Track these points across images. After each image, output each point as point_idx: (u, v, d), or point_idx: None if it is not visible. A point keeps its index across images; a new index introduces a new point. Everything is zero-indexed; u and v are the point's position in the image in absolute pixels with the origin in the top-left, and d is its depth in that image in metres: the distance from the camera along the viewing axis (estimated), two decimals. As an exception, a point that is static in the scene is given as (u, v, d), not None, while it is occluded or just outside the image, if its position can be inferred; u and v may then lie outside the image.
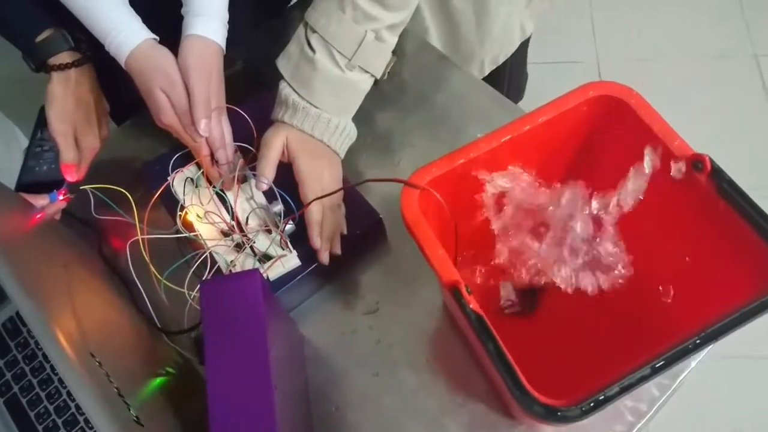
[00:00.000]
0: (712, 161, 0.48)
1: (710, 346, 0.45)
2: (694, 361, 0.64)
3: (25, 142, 0.80)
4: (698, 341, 0.43)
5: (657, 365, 0.43)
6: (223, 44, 0.68)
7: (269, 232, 0.70)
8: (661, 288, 0.57)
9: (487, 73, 1.06)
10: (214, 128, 0.68)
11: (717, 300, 0.49)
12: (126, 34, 0.65)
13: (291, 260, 0.69)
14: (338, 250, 0.69)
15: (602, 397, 0.42)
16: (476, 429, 0.65)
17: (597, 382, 0.45)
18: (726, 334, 0.44)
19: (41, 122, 0.74)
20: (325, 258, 0.68)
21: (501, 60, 1.06)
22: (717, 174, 0.48)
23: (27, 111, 0.82)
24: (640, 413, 0.64)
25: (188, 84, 0.65)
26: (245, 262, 0.69)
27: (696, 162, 0.49)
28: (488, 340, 0.45)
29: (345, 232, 0.71)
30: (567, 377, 0.48)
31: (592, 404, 0.42)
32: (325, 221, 0.68)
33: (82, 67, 0.71)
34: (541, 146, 0.58)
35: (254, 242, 0.69)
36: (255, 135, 0.71)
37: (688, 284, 0.55)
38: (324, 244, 0.67)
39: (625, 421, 0.64)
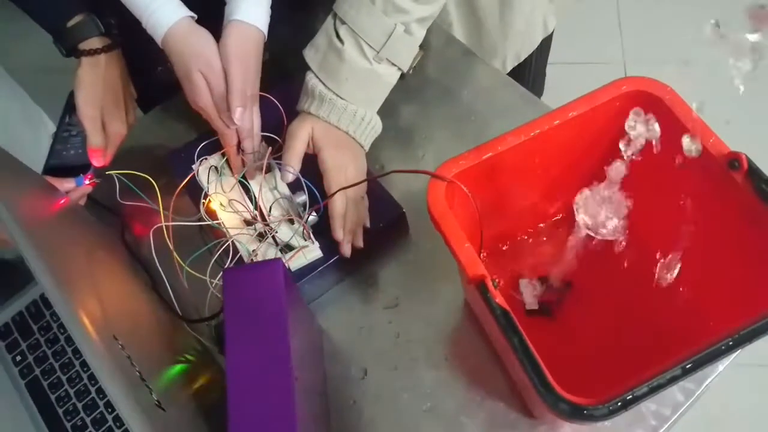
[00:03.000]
0: (749, 160, 0.47)
1: (741, 350, 0.44)
2: (722, 365, 0.62)
3: (52, 129, 0.81)
4: (731, 343, 0.42)
5: (688, 366, 0.42)
6: (266, 30, 0.68)
7: (292, 222, 0.70)
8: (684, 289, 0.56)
9: (509, 69, 1.05)
10: (245, 117, 0.68)
11: (747, 303, 0.48)
12: (163, 11, 0.64)
13: (313, 251, 0.69)
14: (360, 243, 0.69)
15: (630, 396, 0.41)
16: (495, 428, 0.64)
17: (620, 385, 0.44)
18: (759, 337, 0.43)
19: (70, 107, 0.75)
20: (347, 250, 0.67)
21: (523, 56, 1.05)
22: (754, 173, 0.47)
23: (55, 99, 0.83)
24: (663, 417, 0.62)
25: (227, 70, 0.65)
26: (267, 252, 0.69)
27: (732, 160, 0.48)
28: (514, 335, 0.44)
29: (368, 225, 0.70)
30: (589, 379, 0.48)
31: (619, 403, 0.41)
32: (348, 213, 0.67)
33: (111, 53, 0.72)
34: (571, 142, 0.57)
35: (276, 232, 0.69)
36: (285, 123, 0.71)
37: (720, 287, 0.54)
38: (346, 237, 0.67)
39: (648, 425, 0.62)
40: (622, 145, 0.51)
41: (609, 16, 1.96)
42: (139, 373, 0.45)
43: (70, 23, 0.70)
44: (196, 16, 0.67)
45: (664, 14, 1.94)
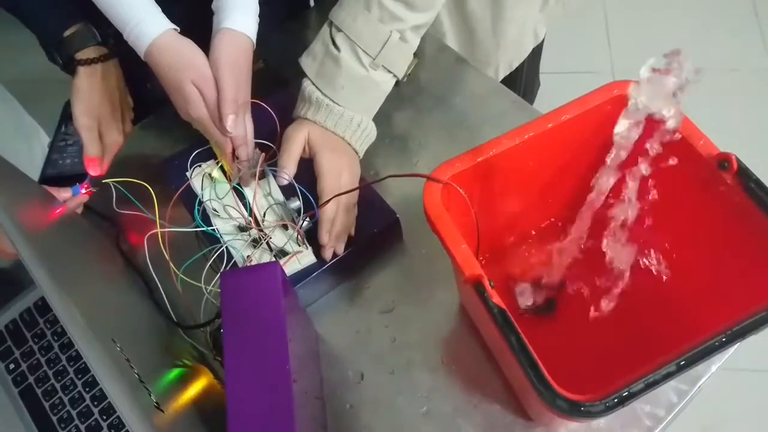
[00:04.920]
0: (738, 160, 0.48)
1: (734, 347, 0.45)
2: (715, 366, 0.63)
3: (46, 139, 0.81)
4: (724, 339, 0.43)
5: (682, 362, 0.42)
6: (255, 38, 0.68)
7: (286, 227, 0.70)
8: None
9: (501, 78, 1.07)
10: (238, 125, 0.68)
11: (740, 301, 0.49)
12: (147, 23, 0.63)
13: (307, 257, 0.69)
14: (341, 251, 0.69)
15: (626, 392, 0.42)
16: (491, 430, 0.64)
17: (616, 383, 0.44)
18: (752, 333, 0.44)
19: (66, 116, 0.75)
20: (328, 255, 0.68)
21: (515, 65, 1.06)
22: (743, 173, 0.48)
23: (49, 109, 0.83)
24: (657, 418, 0.63)
25: (218, 79, 0.64)
26: (262, 257, 0.69)
27: (722, 161, 0.49)
28: (511, 334, 0.44)
29: (353, 233, 0.71)
30: (584, 379, 0.48)
31: (616, 399, 0.42)
32: (337, 219, 0.68)
33: (108, 62, 0.72)
34: (564, 145, 0.58)
35: (271, 238, 0.70)
36: (279, 131, 0.72)
37: (711, 285, 0.54)
38: (330, 241, 0.68)
39: (643, 426, 0.63)
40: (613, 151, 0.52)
41: (597, 26, 1.99)
42: (138, 375, 0.46)
43: (67, 33, 0.70)
44: (178, 28, 0.66)
45: (651, 24, 1.98)
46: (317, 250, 0.69)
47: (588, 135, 0.58)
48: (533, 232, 0.71)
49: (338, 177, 0.68)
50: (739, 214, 0.49)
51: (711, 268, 0.55)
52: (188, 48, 0.65)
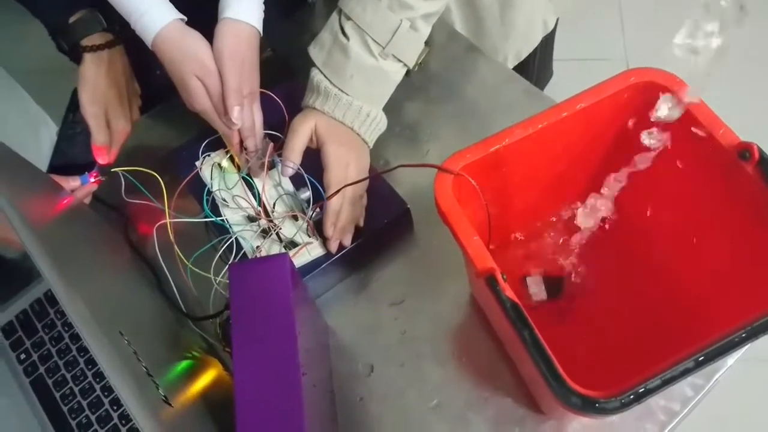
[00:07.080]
0: (760, 150, 0.47)
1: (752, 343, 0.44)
2: (732, 359, 0.62)
3: (55, 128, 0.81)
4: (744, 335, 0.42)
5: (700, 358, 0.41)
6: (260, 25, 0.66)
7: (296, 218, 0.70)
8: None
9: (510, 68, 1.05)
10: (245, 116, 0.66)
11: (759, 296, 0.47)
12: (152, 13, 0.62)
13: (317, 248, 0.68)
14: (347, 243, 0.68)
15: (643, 389, 0.41)
16: (502, 424, 0.63)
17: (629, 379, 0.43)
18: (773, 329, 0.42)
19: (74, 104, 0.74)
20: (333, 247, 0.67)
21: (524, 55, 1.05)
22: (765, 163, 0.47)
23: (57, 98, 0.83)
24: (672, 413, 0.62)
25: (222, 71, 0.63)
26: (271, 248, 0.68)
27: (743, 151, 0.47)
28: (524, 328, 0.43)
29: (361, 224, 0.70)
30: (597, 374, 0.47)
31: (632, 396, 0.41)
32: (342, 211, 0.67)
33: (114, 49, 0.71)
34: (579, 134, 0.56)
35: (280, 228, 0.69)
36: (287, 121, 0.71)
37: (730, 279, 0.53)
38: (336, 234, 0.67)
39: (657, 420, 0.62)
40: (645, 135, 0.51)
41: (611, 13, 1.96)
42: (146, 369, 0.45)
43: (72, 19, 0.69)
44: (185, 18, 0.65)
45: (666, 11, 1.94)
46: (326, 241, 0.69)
47: (604, 124, 0.57)
48: (545, 223, 0.70)
49: (345, 168, 0.67)
50: (759, 206, 0.48)
51: (730, 262, 0.53)
52: (191, 40, 0.63)
